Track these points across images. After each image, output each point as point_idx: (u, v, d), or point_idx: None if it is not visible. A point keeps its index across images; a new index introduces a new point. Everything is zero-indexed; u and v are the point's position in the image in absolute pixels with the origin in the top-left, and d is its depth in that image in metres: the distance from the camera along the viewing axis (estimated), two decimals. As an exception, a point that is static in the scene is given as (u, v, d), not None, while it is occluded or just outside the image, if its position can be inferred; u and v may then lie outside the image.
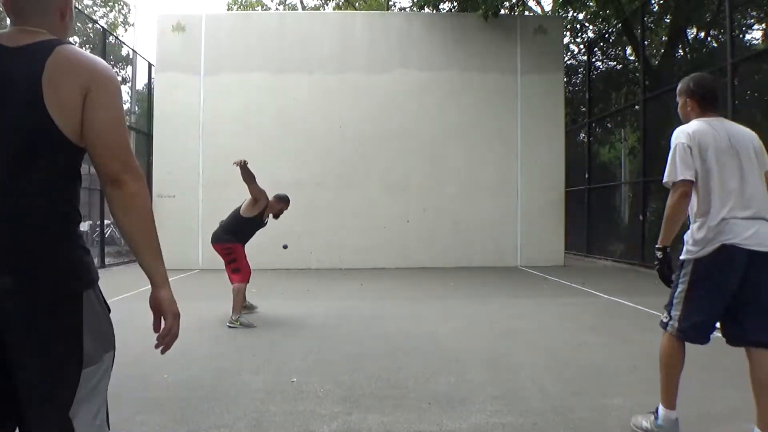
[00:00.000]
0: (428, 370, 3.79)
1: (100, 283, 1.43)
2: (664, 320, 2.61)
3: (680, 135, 2.51)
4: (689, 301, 2.49)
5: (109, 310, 1.45)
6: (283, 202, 5.75)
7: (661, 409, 2.60)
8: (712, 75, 2.82)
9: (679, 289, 2.53)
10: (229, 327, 5.15)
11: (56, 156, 1.32)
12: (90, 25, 24.21)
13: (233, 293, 5.29)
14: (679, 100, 2.72)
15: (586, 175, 13.31)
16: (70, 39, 1.48)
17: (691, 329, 2.49)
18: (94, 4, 26.02)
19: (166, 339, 1.43)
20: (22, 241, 1.27)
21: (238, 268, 5.39)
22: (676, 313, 2.54)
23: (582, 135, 14.36)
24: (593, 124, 13.64)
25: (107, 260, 11.53)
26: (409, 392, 3.34)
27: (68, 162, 1.35)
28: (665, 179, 2.51)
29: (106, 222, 13.75)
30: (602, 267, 10.72)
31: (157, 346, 1.44)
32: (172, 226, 10.18)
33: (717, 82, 2.74)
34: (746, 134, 2.55)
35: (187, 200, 10.95)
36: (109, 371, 1.45)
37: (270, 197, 5.64)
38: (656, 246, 2.58)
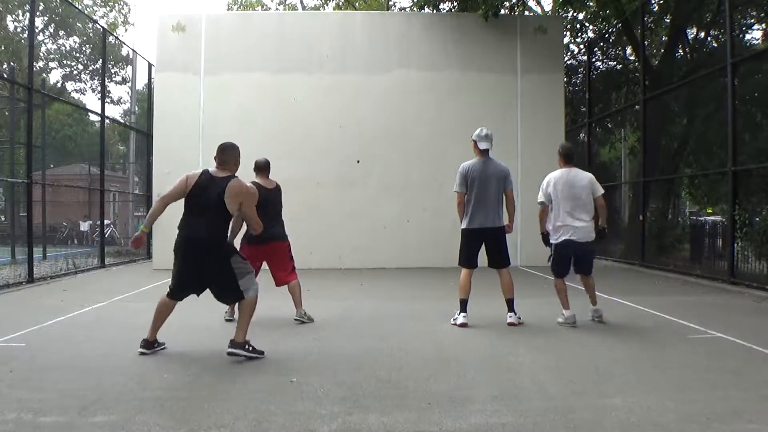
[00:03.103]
0: (428, 370, 3.80)
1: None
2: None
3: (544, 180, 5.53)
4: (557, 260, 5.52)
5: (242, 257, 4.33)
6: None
7: (562, 312, 5.29)
8: (569, 143, 6.16)
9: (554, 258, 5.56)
10: (299, 322, 5.43)
11: (224, 215, 4.12)
12: (90, 25, 24.23)
13: (296, 289, 5.54)
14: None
15: (586, 175, 13.28)
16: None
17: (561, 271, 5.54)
18: (94, 4, 26.00)
19: None
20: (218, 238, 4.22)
21: (294, 266, 5.67)
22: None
23: (582, 135, 14.34)
24: (593, 124, 13.62)
25: (107, 260, 11.50)
26: (409, 392, 3.34)
27: (227, 217, 4.14)
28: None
29: (106, 222, 13.77)
30: (602, 267, 10.70)
31: None
32: (172, 226, 10.10)
33: (572, 147, 5.65)
34: (582, 176, 5.51)
35: (187, 200, 10.91)
36: (238, 259, 4.23)
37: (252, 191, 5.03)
38: (542, 233, 5.81)
